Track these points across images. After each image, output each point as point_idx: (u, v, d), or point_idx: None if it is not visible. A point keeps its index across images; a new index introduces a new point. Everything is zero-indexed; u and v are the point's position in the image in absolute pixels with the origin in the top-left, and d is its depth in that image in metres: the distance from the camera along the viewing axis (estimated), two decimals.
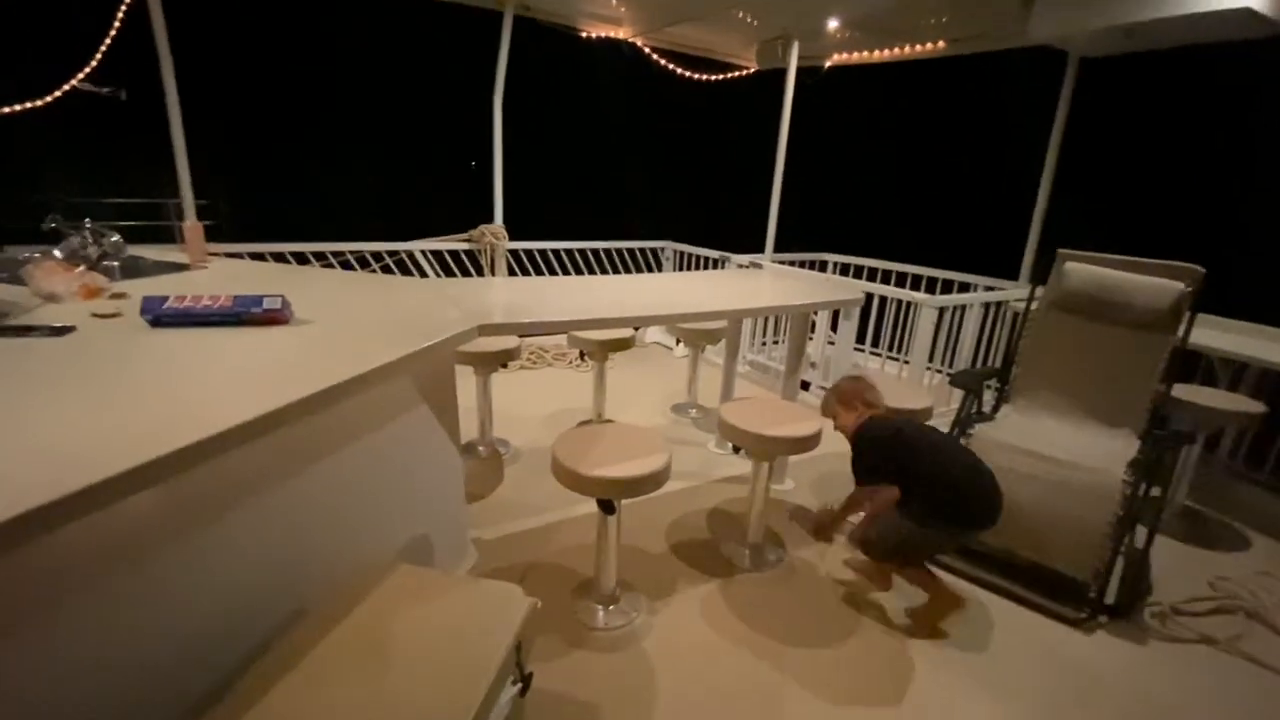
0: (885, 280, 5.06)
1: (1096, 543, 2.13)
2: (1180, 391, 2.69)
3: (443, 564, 2.09)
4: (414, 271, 4.58)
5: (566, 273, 5.27)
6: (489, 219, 4.76)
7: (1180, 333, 2.42)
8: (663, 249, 5.81)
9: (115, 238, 2.33)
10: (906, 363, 3.93)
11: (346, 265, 4.23)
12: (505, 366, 3.14)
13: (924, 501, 1.93)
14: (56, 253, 2.13)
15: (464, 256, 4.75)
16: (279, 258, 3.84)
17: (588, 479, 1.72)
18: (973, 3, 3.63)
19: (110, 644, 1.05)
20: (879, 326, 4.44)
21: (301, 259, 3.97)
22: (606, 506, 1.89)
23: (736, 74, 5.38)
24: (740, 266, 4.78)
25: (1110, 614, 2.16)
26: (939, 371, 4.06)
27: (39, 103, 3.06)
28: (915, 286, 4.81)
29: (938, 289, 4.73)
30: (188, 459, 0.97)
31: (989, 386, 2.90)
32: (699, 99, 5.67)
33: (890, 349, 4.38)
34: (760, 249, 4.83)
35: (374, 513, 1.74)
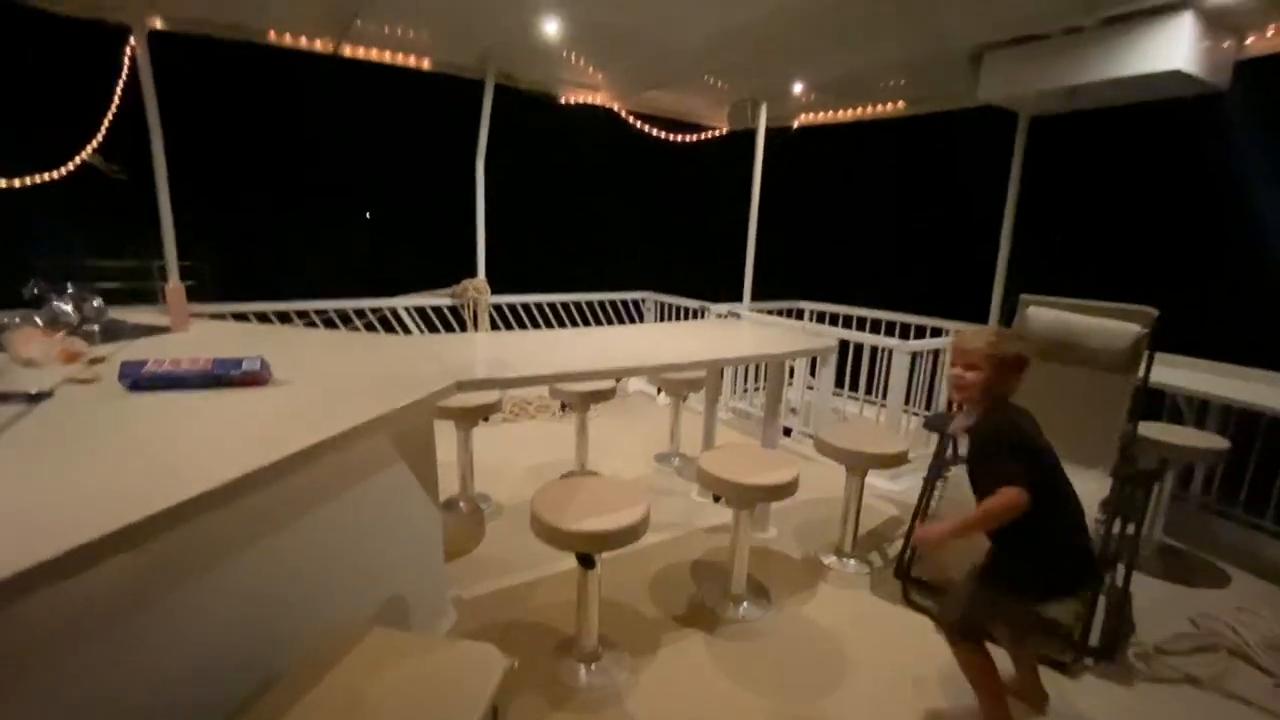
0: (860, 326, 5.18)
1: None
2: (1148, 430, 2.77)
3: (421, 625, 2.05)
4: (398, 328, 4.61)
5: (549, 325, 5.34)
6: (472, 274, 4.84)
7: (1141, 372, 2.51)
8: (643, 300, 5.92)
9: (96, 302, 2.35)
10: (884, 406, 3.99)
11: (330, 323, 4.25)
12: (486, 420, 3.14)
13: (1044, 561, 1.58)
14: (36, 318, 2.15)
15: (447, 312, 4.81)
16: (262, 317, 3.87)
17: (565, 533, 1.72)
18: (925, 67, 3.87)
19: (80, 712, 1.02)
20: (856, 371, 4.53)
21: (284, 318, 3.99)
22: (586, 561, 1.88)
23: (709, 134, 5.63)
24: (719, 316, 4.88)
25: (1095, 656, 2.16)
26: (916, 414, 4.12)
27: (54, 175, 3.13)
28: (890, 332, 4.92)
29: (911, 334, 4.84)
30: (159, 525, 0.97)
31: None
32: (676, 157, 5.91)
33: (868, 393, 4.44)
34: (738, 298, 4.94)
35: (350, 574, 1.72)
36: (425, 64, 4.10)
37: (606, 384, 3.47)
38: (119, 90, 3.37)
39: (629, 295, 5.86)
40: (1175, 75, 2.94)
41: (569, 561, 1.95)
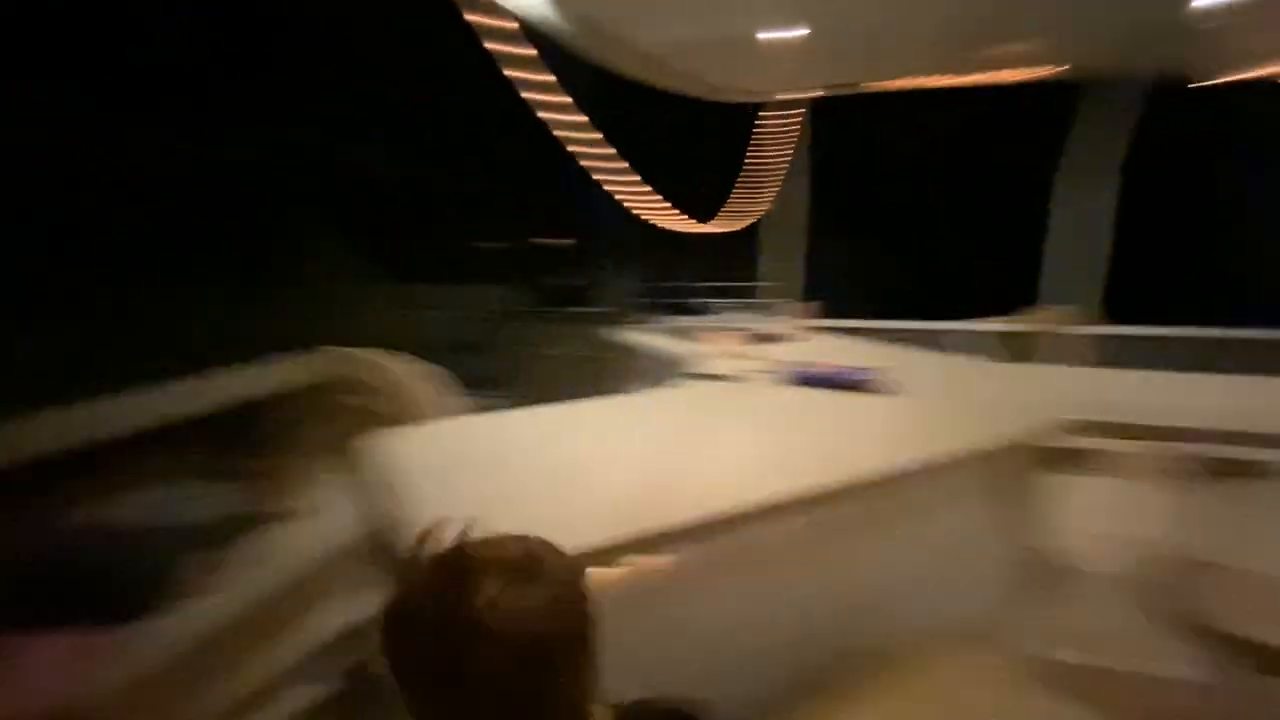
0: None
1: None
2: None
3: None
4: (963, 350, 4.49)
5: (1157, 367, 4.21)
6: (1047, 300, 4.30)
7: None
8: None
9: (749, 313, 3.16)
10: None
11: (902, 339, 4.48)
12: (1073, 467, 2.73)
13: None
14: (717, 324, 3.03)
15: (1020, 339, 4.40)
16: (850, 331, 4.38)
17: (1244, 642, 1.32)
18: None
19: (737, 632, 1.36)
20: None
21: (868, 332, 4.41)
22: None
23: None
24: None
25: None
26: None
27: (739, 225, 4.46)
28: None
29: None
30: (832, 498, 1.21)
31: None
32: None
33: None
34: None
35: (929, 586, 1.74)
36: (1054, 72, 3.80)
37: (1253, 455, 2.52)
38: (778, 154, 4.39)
39: None
40: None
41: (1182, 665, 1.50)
